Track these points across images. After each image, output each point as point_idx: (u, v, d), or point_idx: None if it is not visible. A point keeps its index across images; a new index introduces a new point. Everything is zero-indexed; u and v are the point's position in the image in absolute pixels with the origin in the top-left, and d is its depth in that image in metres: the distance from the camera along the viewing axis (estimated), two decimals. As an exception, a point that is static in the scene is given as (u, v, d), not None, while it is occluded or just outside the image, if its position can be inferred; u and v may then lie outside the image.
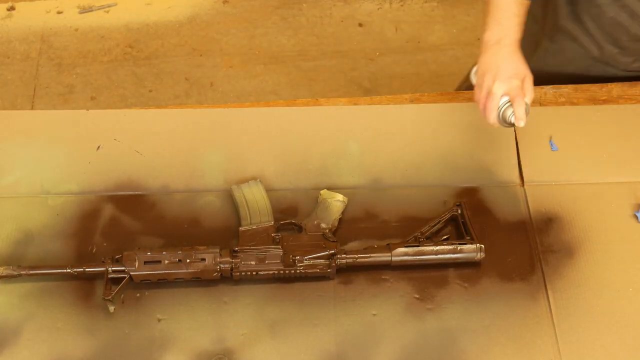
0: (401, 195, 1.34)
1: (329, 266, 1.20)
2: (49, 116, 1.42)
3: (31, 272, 1.18)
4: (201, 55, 2.69)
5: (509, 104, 1.20)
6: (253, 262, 1.19)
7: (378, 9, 2.85)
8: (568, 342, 1.17)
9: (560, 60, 1.52)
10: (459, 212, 1.28)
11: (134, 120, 1.40)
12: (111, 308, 1.17)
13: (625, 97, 1.48)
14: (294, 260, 1.20)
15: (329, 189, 1.31)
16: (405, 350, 1.16)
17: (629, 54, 1.46)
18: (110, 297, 1.15)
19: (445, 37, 2.79)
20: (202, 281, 1.20)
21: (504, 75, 1.20)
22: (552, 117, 1.43)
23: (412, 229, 1.26)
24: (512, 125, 1.20)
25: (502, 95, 1.20)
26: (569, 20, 1.46)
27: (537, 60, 1.49)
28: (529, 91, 1.21)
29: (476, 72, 1.27)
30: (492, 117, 1.21)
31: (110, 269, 1.17)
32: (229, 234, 1.27)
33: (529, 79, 1.22)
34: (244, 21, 2.76)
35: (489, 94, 1.20)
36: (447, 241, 1.24)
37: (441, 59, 2.72)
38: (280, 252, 1.20)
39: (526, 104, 1.20)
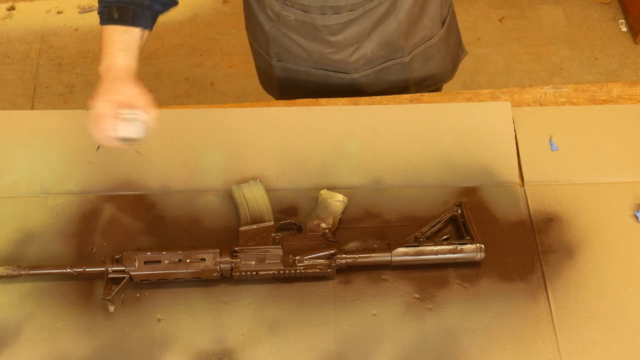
0: (401, 195, 1.34)
1: (329, 266, 1.20)
2: (49, 116, 1.42)
3: (31, 272, 1.18)
4: (201, 55, 2.69)
5: (119, 121, 1.15)
6: (253, 262, 1.19)
7: (378, 9, 2.85)
8: (568, 342, 1.17)
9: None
10: (459, 212, 1.28)
11: (134, 120, 1.40)
12: (111, 308, 1.17)
13: (625, 97, 1.48)
14: (294, 260, 1.20)
15: (329, 189, 1.31)
16: (405, 350, 1.16)
17: (335, 50, 1.44)
18: (110, 297, 1.15)
19: (445, 37, 2.78)
20: (202, 281, 1.20)
21: (100, 93, 1.17)
22: (552, 117, 1.43)
23: (412, 229, 1.26)
24: (128, 140, 1.16)
25: (102, 112, 1.15)
26: None
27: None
28: (142, 105, 1.17)
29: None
30: (108, 139, 1.16)
31: (110, 269, 1.17)
32: (229, 234, 1.27)
33: (143, 97, 1.18)
34: (244, 21, 2.76)
35: (100, 118, 1.16)
36: (447, 241, 1.24)
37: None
38: (280, 252, 1.20)
39: (139, 119, 1.16)
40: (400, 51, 1.48)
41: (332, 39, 1.40)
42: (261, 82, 1.72)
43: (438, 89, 1.67)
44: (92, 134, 1.18)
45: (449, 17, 1.55)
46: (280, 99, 1.60)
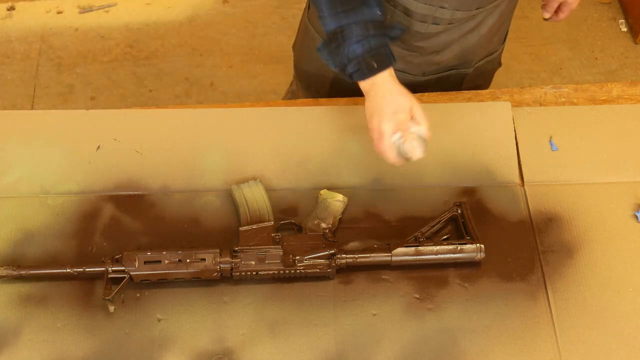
0: (401, 195, 1.34)
1: (329, 266, 1.20)
2: (49, 116, 1.42)
3: (31, 272, 1.18)
4: (201, 55, 2.68)
5: (402, 140, 1.18)
6: (253, 262, 1.19)
7: (378, 9, 2.85)
8: (568, 342, 1.17)
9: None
10: (459, 212, 1.28)
11: (134, 120, 1.40)
12: (111, 308, 1.17)
13: (625, 97, 1.48)
14: (294, 260, 1.20)
15: (329, 189, 1.31)
16: (405, 350, 1.16)
17: (419, 54, 1.44)
18: (110, 297, 1.15)
19: (445, 37, 2.79)
20: (202, 281, 1.20)
21: (387, 112, 1.17)
22: (552, 117, 1.43)
23: (412, 229, 1.26)
24: (411, 158, 1.19)
25: (392, 133, 1.18)
26: None
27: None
28: (420, 119, 1.19)
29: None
30: (391, 158, 1.19)
31: (110, 269, 1.17)
32: (229, 234, 1.27)
33: (417, 107, 1.19)
34: (244, 21, 2.76)
35: (380, 135, 1.19)
36: (447, 241, 1.24)
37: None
38: (280, 252, 1.20)
39: (419, 134, 1.19)
40: (467, 63, 1.48)
41: (418, 44, 1.39)
42: (302, 79, 1.67)
43: None
44: (379, 152, 1.20)
45: (507, 33, 1.56)
46: (328, 97, 1.56)
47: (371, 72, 1.18)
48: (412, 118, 1.19)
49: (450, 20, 1.33)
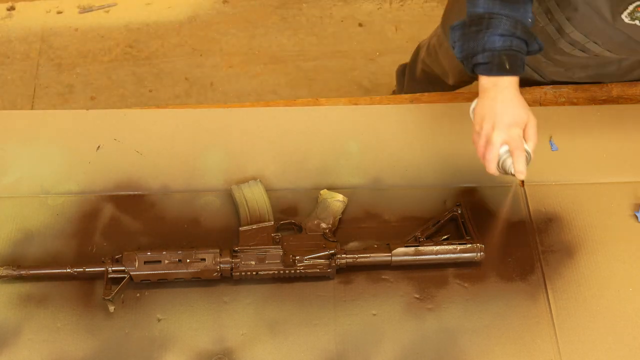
0: (401, 195, 1.34)
1: (329, 266, 1.20)
2: (49, 116, 1.42)
3: (31, 272, 1.18)
4: (201, 55, 2.68)
5: (508, 153, 1.14)
6: (253, 262, 1.19)
7: (378, 9, 2.85)
8: (568, 342, 1.17)
9: None
10: (459, 212, 1.28)
11: (134, 120, 1.40)
12: (111, 308, 1.17)
13: (625, 97, 1.48)
14: (294, 260, 1.20)
15: (329, 189, 1.31)
16: (405, 350, 1.16)
17: (553, 64, 1.44)
18: (110, 297, 1.15)
19: (445, 37, 2.79)
20: (202, 281, 1.20)
21: (503, 123, 1.13)
22: (552, 117, 1.43)
23: (412, 229, 1.26)
24: (513, 175, 1.15)
25: (501, 145, 1.14)
26: None
27: None
28: (532, 137, 1.15)
29: (474, 108, 1.20)
30: (492, 168, 1.15)
31: (110, 269, 1.17)
32: (229, 234, 1.27)
33: (532, 124, 1.15)
34: (244, 21, 2.76)
35: (488, 142, 1.14)
36: (447, 241, 1.24)
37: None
38: (280, 252, 1.20)
39: (527, 153, 1.14)
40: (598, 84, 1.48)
41: (557, 57, 1.37)
42: (422, 77, 1.65)
43: None
44: (481, 158, 1.16)
45: None
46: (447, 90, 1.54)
47: (500, 70, 1.13)
48: (525, 136, 1.15)
49: (598, 54, 1.32)
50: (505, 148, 1.14)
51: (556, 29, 1.31)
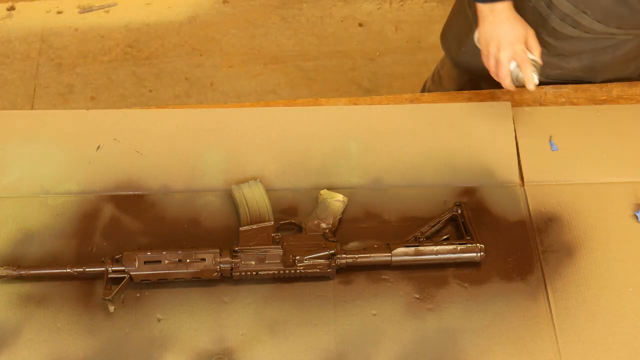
0: (401, 195, 1.34)
1: (329, 266, 1.20)
2: (49, 116, 1.42)
3: (31, 272, 1.18)
4: (201, 55, 2.68)
5: (518, 68, 1.28)
6: (253, 262, 1.19)
7: (378, 9, 2.85)
8: (568, 342, 1.17)
9: None
10: (459, 212, 1.28)
11: (134, 120, 1.40)
12: (111, 308, 1.17)
13: (625, 97, 1.48)
14: (294, 260, 1.20)
15: (329, 189, 1.31)
16: (405, 350, 1.16)
17: (546, 52, 1.45)
18: (110, 297, 1.15)
19: (445, 37, 2.78)
20: (202, 281, 1.20)
21: (506, 42, 1.27)
22: (552, 117, 1.43)
23: (412, 229, 1.26)
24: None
25: (509, 62, 1.28)
26: None
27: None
28: (534, 46, 1.28)
29: (478, 38, 1.35)
30: (507, 84, 1.30)
31: (110, 269, 1.17)
32: (229, 234, 1.27)
33: (531, 35, 1.29)
34: (244, 21, 2.76)
35: (498, 63, 1.29)
36: (447, 241, 1.24)
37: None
38: (280, 252, 1.20)
39: (534, 62, 1.28)
40: (593, 78, 1.50)
41: (549, 40, 1.41)
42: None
43: None
44: (497, 78, 1.31)
45: None
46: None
47: None
48: (528, 48, 1.28)
49: (588, 29, 1.35)
50: (514, 64, 1.29)
51: (546, 4, 1.35)
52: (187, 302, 1.20)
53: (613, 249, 1.27)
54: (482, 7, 1.30)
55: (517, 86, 1.31)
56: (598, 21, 1.33)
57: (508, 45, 1.27)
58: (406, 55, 2.57)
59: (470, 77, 1.67)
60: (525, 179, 1.36)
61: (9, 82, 2.61)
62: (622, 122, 1.43)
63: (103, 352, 1.15)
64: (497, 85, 1.38)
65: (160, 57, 2.67)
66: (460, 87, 1.70)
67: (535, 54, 1.29)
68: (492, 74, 1.32)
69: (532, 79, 1.27)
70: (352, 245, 1.27)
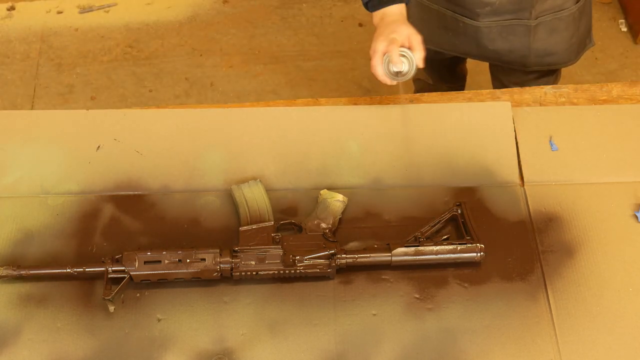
0: (401, 195, 1.34)
1: (329, 266, 1.20)
2: (49, 116, 1.42)
3: (31, 272, 1.18)
4: (201, 55, 2.69)
5: (389, 58, 1.30)
6: (253, 262, 1.19)
7: (378, 9, 2.85)
8: (568, 342, 1.17)
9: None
10: (459, 212, 1.28)
11: (134, 120, 1.40)
12: (111, 308, 1.17)
13: (625, 97, 1.48)
14: (294, 260, 1.20)
15: (329, 189, 1.31)
16: (405, 350, 1.16)
17: (463, 29, 1.52)
18: (110, 297, 1.15)
19: (445, 37, 2.78)
20: (202, 281, 1.20)
21: (383, 35, 1.30)
22: (552, 117, 1.43)
23: (412, 229, 1.26)
24: (398, 74, 1.30)
25: (384, 53, 1.29)
26: None
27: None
28: (417, 47, 1.29)
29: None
30: (379, 73, 1.31)
31: (110, 269, 1.17)
32: (229, 234, 1.27)
33: (415, 36, 1.30)
34: (244, 21, 2.76)
35: (373, 54, 1.31)
36: (447, 241, 1.24)
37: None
38: (280, 252, 1.20)
39: (409, 57, 1.29)
40: (526, 12, 1.49)
41: None
42: None
43: (555, 72, 1.68)
44: (372, 70, 1.32)
45: None
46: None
47: (382, 3, 1.33)
48: (410, 47, 1.30)
49: None
50: (387, 55, 1.30)
51: None
52: (187, 302, 1.20)
53: (613, 249, 1.27)
54: (374, 17, 1.37)
55: (392, 79, 1.32)
56: None
57: (384, 36, 1.30)
58: (406, 55, 2.58)
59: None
60: (525, 179, 1.36)
61: (9, 82, 2.62)
62: (622, 122, 1.43)
63: (103, 352, 1.15)
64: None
65: (160, 57, 2.67)
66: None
67: (417, 55, 1.30)
68: (371, 69, 1.33)
69: (396, 60, 1.28)
70: (352, 245, 1.27)
